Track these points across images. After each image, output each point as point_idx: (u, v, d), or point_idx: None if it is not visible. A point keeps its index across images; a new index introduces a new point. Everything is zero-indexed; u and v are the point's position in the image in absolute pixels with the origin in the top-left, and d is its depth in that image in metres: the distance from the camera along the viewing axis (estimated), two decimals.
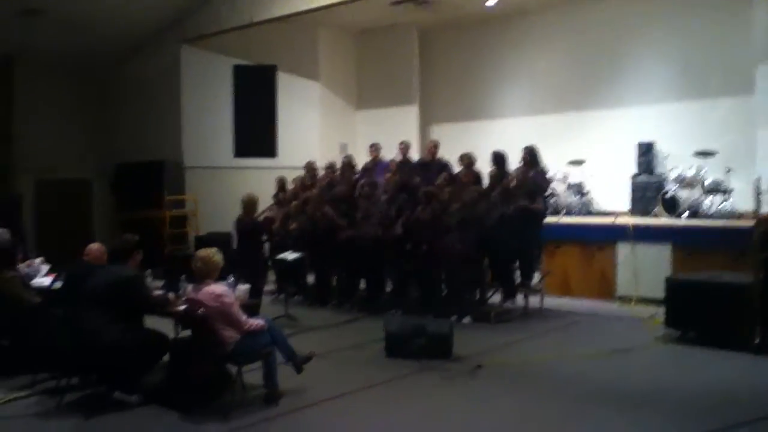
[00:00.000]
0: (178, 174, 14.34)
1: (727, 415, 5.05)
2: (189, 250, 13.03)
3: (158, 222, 13.69)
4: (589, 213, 11.51)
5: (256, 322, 5.44)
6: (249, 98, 13.49)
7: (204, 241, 12.17)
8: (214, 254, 5.51)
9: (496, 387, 5.96)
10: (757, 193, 7.05)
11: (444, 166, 10.27)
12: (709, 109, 11.19)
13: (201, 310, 5.27)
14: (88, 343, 5.23)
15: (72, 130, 15.43)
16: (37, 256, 8.06)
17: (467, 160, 9.71)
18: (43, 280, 6.96)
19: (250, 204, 8.95)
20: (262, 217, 9.52)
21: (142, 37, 14.74)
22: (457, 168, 9.95)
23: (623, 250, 9.96)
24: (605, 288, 10.16)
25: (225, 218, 10.97)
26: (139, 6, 13.36)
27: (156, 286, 6.20)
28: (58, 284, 6.28)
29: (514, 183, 9.20)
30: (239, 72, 13.00)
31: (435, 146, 10.66)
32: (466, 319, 8.45)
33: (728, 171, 10.12)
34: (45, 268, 7.37)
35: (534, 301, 9.39)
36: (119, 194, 15.10)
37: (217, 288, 5.33)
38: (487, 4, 12.31)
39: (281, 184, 11.42)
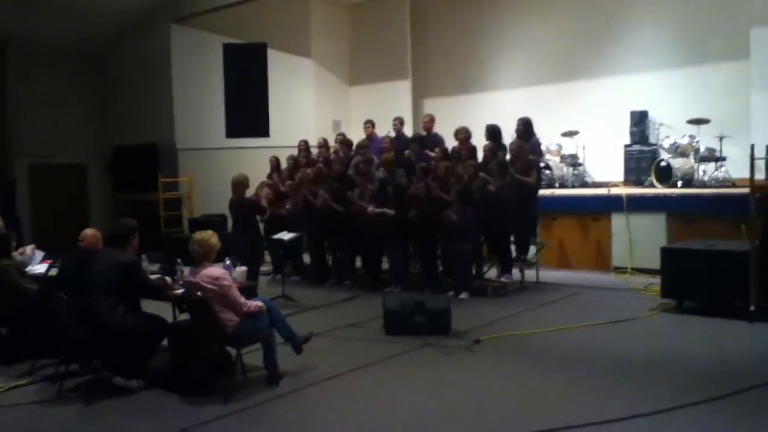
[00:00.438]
0: (172, 156, 14.28)
1: (724, 384, 5.10)
2: (184, 233, 13.05)
3: (153, 204, 13.65)
4: (584, 184, 11.51)
5: (255, 303, 5.45)
6: (240, 77, 13.38)
7: (198, 224, 12.16)
8: (211, 237, 5.50)
9: (496, 361, 6.00)
10: (752, 160, 7.02)
11: (438, 141, 10.23)
12: (703, 75, 11.14)
13: (199, 294, 5.27)
14: (94, 327, 5.25)
15: (66, 114, 15.33)
16: (30, 243, 8.03)
17: (463, 134, 9.68)
18: (38, 268, 6.94)
19: (239, 184, 8.90)
20: (255, 196, 9.46)
21: (134, 19, 14.61)
22: (452, 142, 9.92)
23: (618, 221, 9.98)
24: (601, 259, 10.21)
25: (219, 200, 10.96)
26: None
27: (152, 270, 6.19)
28: (54, 271, 6.26)
29: (509, 156, 9.21)
30: (229, 51, 12.87)
31: (431, 120, 10.61)
32: (464, 294, 8.48)
33: (721, 138, 10.11)
34: (39, 255, 7.33)
35: (530, 274, 9.43)
36: (115, 177, 15.06)
37: (215, 271, 5.32)
38: None
39: (275, 163, 11.37)
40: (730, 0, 10.80)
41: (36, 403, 5.27)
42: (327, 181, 9.94)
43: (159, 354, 5.72)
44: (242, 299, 5.34)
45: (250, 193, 9.26)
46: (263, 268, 10.14)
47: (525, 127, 9.59)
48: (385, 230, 9.09)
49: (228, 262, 6.14)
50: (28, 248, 7.48)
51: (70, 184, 15.73)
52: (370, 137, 11.01)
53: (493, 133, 9.60)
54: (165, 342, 5.73)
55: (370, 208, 9.17)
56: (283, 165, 11.27)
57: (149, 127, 14.61)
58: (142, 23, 14.75)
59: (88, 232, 6.35)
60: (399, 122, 10.96)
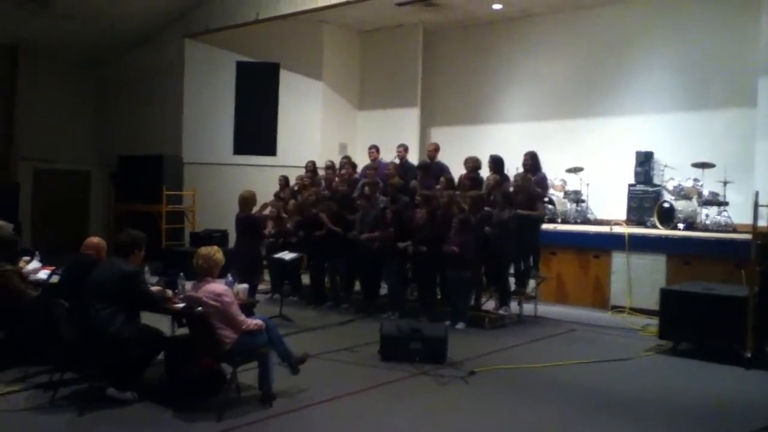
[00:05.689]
0: (178, 169, 14.31)
1: (717, 428, 5.09)
2: (185, 246, 13.05)
3: (156, 216, 13.66)
4: (586, 221, 11.53)
5: (255, 321, 5.45)
6: (251, 95, 13.50)
7: (200, 238, 12.20)
8: (215, 252, 5.52)
9: (490, 393, 5.98)
10: (755, 207, 7.06)
11: (443, 169, 10.28)
12: (709, 120, 11.23)
13: (200, 309, 5.28)
14: (92, 335, 5.25)
15: (73, 120, 15.45)
16: (29, 247, 7.97)
17: (471, 164, 9.73)
18: (39, 273, 6.93)
19: (245, 201, 8.93)
20: (260, 212, 9.45)
21: (147, 30, 14.73)
22: (460, 171, 9.95)
23: (618, 260, 9.99)
24: (599, 297, 10.20)
25: (222, 215, 10.97)
26: None
27: (152, 282, 6.19)
28: (56, 278, 6.27)
29: (512, 188, 9.25)
30: (242, 68, 13.03)
31: (435, 149, 10.66)
32: (460, 324, 8.46)
33: (725, 183, 10.16)
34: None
35: (528, 308, 9.42)
36: (118, 186, 15.07)
37: (218, 287, 5.33)
38: (494, 6, 12.42)
39: (284, 182, 11.41)
40: (736, 48, 10.92)
41: (28, 410, 5.24)
42: (327, 203, 9.97)
43: (154, 367, 5.71)
44: (242, 317, 5.34)
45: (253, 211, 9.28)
46: (261, 287, 10.14)
47: (532, 161, 9.64)
48: (384, 255, 9.10)
49: (230, 278, 6.15)
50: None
51: (73, 190, 15.79)
52: (376, 162, 11.04)
53: (497, 163, 9.65)
54: (161, 355, 5.72)
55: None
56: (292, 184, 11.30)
57: (156, 138, 14.67)
58: (154, 35, 14.88)
59: (93, 240, 6.35)
60: (403, 149, 10.97)
